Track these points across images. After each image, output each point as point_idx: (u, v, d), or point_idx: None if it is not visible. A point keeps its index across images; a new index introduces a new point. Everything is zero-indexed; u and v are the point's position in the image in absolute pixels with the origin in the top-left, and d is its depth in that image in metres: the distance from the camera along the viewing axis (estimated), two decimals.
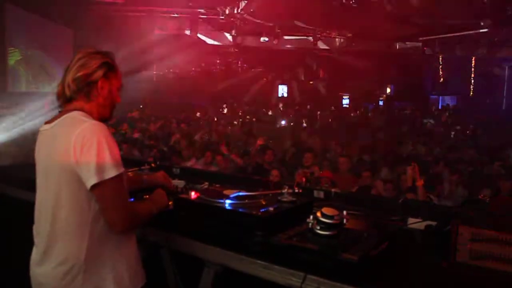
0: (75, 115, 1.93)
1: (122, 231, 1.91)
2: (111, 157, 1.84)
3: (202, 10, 15.08)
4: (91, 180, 1.80)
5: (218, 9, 14.91)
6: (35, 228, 2.03)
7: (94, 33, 11.84)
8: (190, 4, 14.84)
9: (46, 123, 2.03)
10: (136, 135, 10.47)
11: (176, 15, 15.81)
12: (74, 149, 1.81)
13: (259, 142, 8.12)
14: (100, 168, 1.81)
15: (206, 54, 20.21)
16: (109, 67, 2.03)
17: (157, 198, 2.24)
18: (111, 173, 1.83)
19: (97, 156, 1.81)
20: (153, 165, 3.38)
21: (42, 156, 2.00)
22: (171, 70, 21.32)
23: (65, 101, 2.01)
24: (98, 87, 1.99)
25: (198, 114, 16.18)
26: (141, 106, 17.06)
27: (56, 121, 1.97)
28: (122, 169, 1.88)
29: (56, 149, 1.88)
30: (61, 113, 2.00)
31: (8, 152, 6.73)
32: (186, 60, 20.19)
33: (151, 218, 2.11)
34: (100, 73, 1.99)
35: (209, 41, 18.05)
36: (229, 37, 17.58)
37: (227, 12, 14.88)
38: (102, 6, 13.37)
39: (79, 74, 1.97)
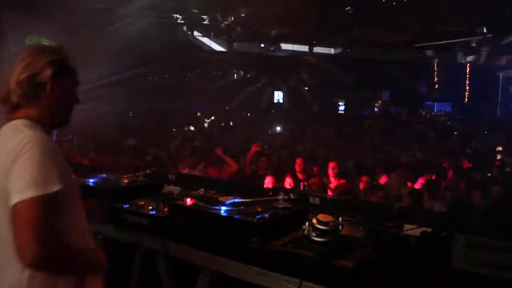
0: (15, 125, 1.68)
1: (30, 262, 1.52)
2: (41, 173, 1.55)
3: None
4: (17, 195, 1.53)
5: (214, 14, 14.93)
6: None
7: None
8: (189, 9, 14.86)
9: None
10: (132, 142, 10.38)
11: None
12: (7, 164, 1.57)
13: (254, 148, 8.09)
14: (25, 185, 1.53)
15: (202, 59, 20.26)
16: (60, 65, 1.74)
17: (92, 259, 1.77)
18: (43, 189, 1.54)
19: (25, 172, 1.55)
20: (148, 171, 3.37)
21: None
22: (167, 76, 21.37)
23: (12, 108, 1.74)
24: (47, 89, 1.71)
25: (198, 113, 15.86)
26: (130, 114, 16.98)
27: None
28: (59, 186, 1.59)
29: None
30: (6, 122, 1.73)
31: None
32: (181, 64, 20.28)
33: (86, 271, 1.72)
34: (47, 73, 1.70)
35: (206, 46, 18.07)
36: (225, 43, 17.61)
37: (222, 17, 14.90)
38: None
39: (22, 76, 1.68)
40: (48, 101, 1.73)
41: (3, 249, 1.61)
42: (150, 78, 20.08)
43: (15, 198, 1.53)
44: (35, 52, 1.74)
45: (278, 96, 24.64)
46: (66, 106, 1.81)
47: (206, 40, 17.52)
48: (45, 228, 1.52)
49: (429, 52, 17.32)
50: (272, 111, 20.14)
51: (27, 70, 1.69)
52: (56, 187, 1.58)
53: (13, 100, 1.72)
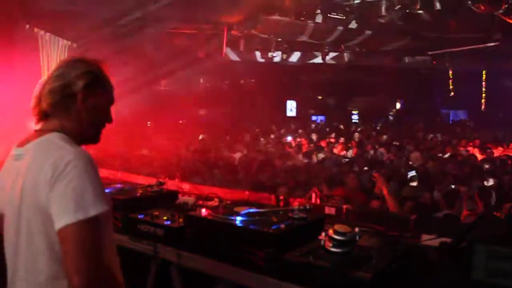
0: (51, 139, 1.60)
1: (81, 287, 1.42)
2: (88, 193, 1.47)
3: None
4: (64, 218, 1.44)
5: (226, 24, 15.03)
6: (9, 275, 1.67)
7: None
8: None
9: (18, 146, 1.68)
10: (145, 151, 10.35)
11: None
12: (48, 182, 1.48)
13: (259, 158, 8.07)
14: (73, 207, 1.44)
15: (215, 70, 20.38)
16: (94, 77, 1.69)
17: None
18: (92, 211, 1.46)
19: (71, 192, 1.45)
20: (161, 181, 3.37)
21: (8, 188, 1.64)
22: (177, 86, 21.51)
23: (41, 117, 1.68)
24: (78, 100, 1.65)
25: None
26: (148, 123, 17.07)
27: (28, 145, 1.64)
28: (106, 207, 1.52)
29: (28, 182, 1.55)
30: (36, 133, 1.67)
31: None
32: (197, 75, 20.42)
33: None
34: (80, 84, 1.65)
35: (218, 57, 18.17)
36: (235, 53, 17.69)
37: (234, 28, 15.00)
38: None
39: (55, 84, 1.64)
40: (78, 113, 1.67)
41: (39, 273, 1.55)
42: (162, 88, 20.24)
43: (63, 221, 1.44)
44: (70, 62, 1.71)
45: (291, 105, 24.61)
46: (96, 122, 1.74)
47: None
48: (96, 252, 1.46)
49: (444, 59, 17.20)
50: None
51: (60, 79, 1.65)
52: (104, 208, 1.51)
53: (42, 108, 1.66)
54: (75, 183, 1.47)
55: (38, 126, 1.70)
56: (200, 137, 13.84)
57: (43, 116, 1.68)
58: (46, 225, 1.50)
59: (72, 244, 1.43)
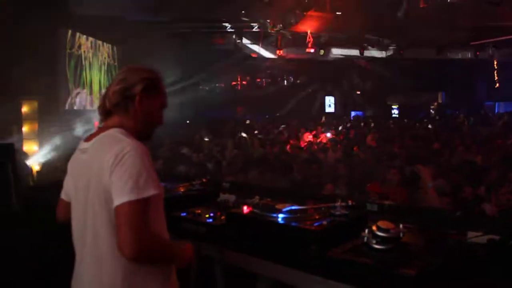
0: (113, 133, 1.88)
1: (131, 257, 1.70)
2: (148, 176, 1.75)
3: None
4: (122, 197, 1.71)
5: (262, 21, 15.07)
6: (77, 249, 1.95)
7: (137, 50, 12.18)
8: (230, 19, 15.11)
9: (85, 140, 1.98)
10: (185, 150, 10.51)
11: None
12: (110, 167, 1.75)
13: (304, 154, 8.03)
14: (134, 187, 1.72)
15: (251, 67, 20.46)
16: (151, 83, 1.97)
17: (179, 252, 1.96)
18: (145, 193, 1.73)
19: (133, 174, 1.73)
20: (204, 180, 3.42)
21: (76, 175, 1.95)
22: (217, 85, 21.71)
23: (105, 116, 1.98)
24: (136, 101, 1.93)
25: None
26: (187, 122, 17.30)
27: (94, 139, 1.92)
28: (157, 190, 1.79)
29: (92, 169, 1.82)
30: (100, 130, 1.96)
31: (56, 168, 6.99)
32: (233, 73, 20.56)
33: (168, 261, 1.92)
34: (139, 87, 1.93)
35: (253, 53, 18.21)
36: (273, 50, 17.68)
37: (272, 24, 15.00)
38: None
39: (118, 87, 1.93)
40: (135, 112, 1.94)
41: (101, 243, 1.80)
42: (201, 87, 20.48)
43: (119, 200, 1.71)
44: (132, 69, 1.99)
45: (329, 101, 24.38)
46: (150, 122, 2.00)
47: (255, 47, 17.67)
48: (144, 227, 1.72)
49: (488, 50, 16.59)
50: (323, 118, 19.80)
51: (122, 82, 1.94)
52: (155, 191, 1.77)
53: (106, 107, 1.95)
54: (131, 169, 1.74)
55: (102, 124, 1.98)
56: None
57: (106, 114, 1.97)
58: (108, 203, 1.76)
59: (124, 220, 1.70)
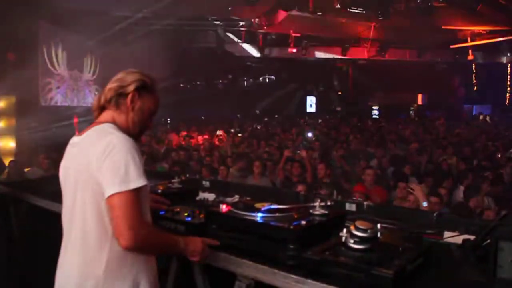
0: (104, 127, 1.99)
1: (128, 246, 1.82)
2: (136, 168, 1.85)
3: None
4: (111, 189, 1.81)
5: (245, 21, 15.06)
6: (63, 240, 2.06)
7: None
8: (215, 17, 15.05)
9: (77, 135, 2.08)
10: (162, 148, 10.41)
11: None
12: (98, 160, 1.85)
13: (286, 153, 8.05)
14: (123, 178, 1.82)
15: (233, 66, 20.40)
16: (144, 85, 2.08)
17: (189, 242, 2.10)
18: (134, 184, 1.83)
19: (121, 166, 1.83)
20: (183, 177, 3.40)
21: (66, 168, 2.06)
22: (198, 83, 21.59)
23: (99, 112, 2.10)
24: (128, 98, 2.05)
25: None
26: (168, 120, 17.15)
27: (85, 133, 2.03)
28: (145, 182, 1.89)
29: (82, 161, 1.92)
30: (92, 124, 2.06)
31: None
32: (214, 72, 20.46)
33: (170, 252, 2.12)
34: (132, 86, 2.05)
35: (237, 53, 18.17)
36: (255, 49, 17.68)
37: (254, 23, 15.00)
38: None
39: (113, 85, 2.06)
40: (127, 109, 2.07)
41: (88, 235, 1.91)
42: (182, 85, 20.34)
43: (109, 192, 1.82)
44: (130, 72, 2.11)
45: (311, 101, 24.49)
46: (139, 122, 2.10)
47: (238, 46, 17.65)
48: (137, 216, 1.83)
49: (467, 53, 16.87)
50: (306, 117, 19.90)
51: (118, 81, 2.08)
52: (144, 182, 1.87)
53: (100, 102, 2.09)
54: (121, 161, 1.84)
55: (95, 119, 2.10)
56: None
57: (100, 110, 2.10)
58: (96, 195, 1.87)
59: (117, 210, 1.81)
